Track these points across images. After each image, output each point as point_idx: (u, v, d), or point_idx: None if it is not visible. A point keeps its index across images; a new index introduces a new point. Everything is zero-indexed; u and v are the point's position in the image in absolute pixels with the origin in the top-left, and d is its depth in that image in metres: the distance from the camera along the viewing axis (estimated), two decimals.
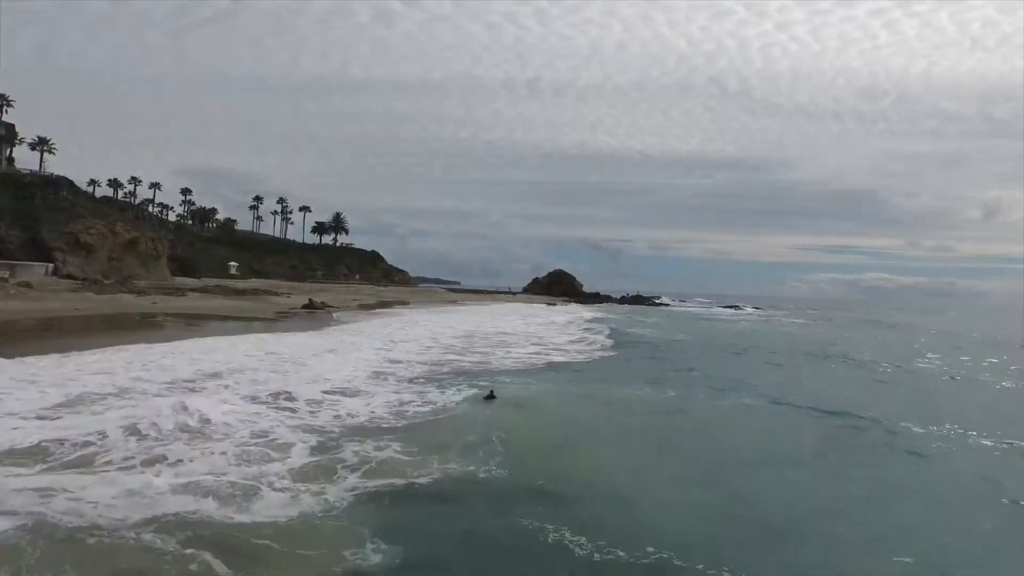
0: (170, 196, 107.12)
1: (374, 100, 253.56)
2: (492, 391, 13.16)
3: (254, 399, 12.29)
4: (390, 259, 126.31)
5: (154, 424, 9.82)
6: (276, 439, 9.63)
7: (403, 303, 64.82)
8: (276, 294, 56.06)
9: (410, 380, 15.61)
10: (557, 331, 34.70)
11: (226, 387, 13.33)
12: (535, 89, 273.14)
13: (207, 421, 10.18)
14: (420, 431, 10.80)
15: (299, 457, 8.84)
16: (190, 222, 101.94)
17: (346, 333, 26.43)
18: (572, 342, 28.07)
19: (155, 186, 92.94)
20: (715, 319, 65.45)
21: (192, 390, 12.80)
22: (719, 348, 30.07)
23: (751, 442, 11.32)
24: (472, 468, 8.70)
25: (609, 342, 29.38)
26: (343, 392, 13.63)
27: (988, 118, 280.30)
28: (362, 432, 10.59)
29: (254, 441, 9.42)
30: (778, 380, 19.44)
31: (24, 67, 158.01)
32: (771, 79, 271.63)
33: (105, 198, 79.59)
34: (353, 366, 17.40)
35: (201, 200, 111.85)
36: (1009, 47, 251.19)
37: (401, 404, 12.77)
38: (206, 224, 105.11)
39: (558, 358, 22.09)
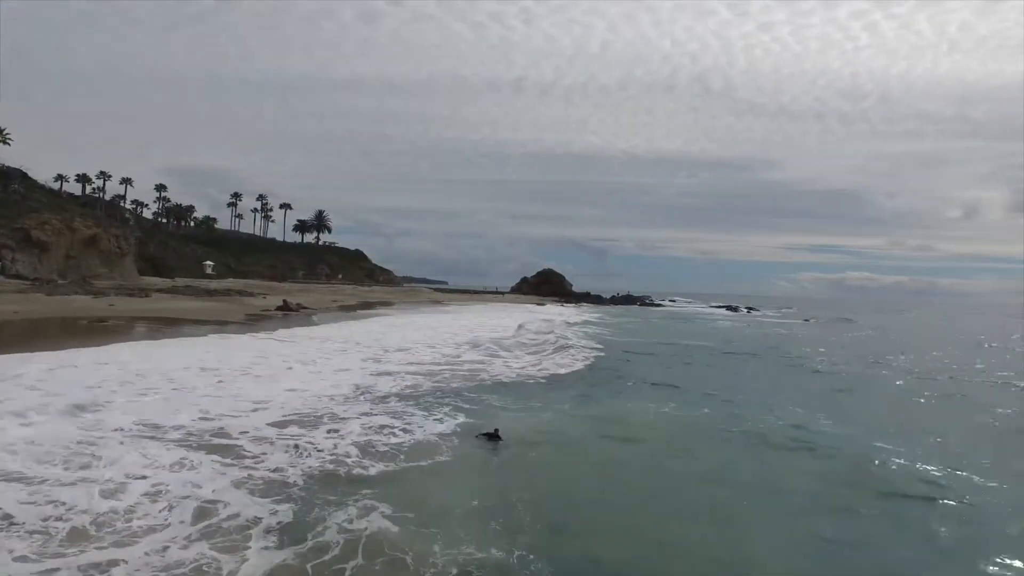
0: (148, 194, 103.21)
1: (360, 99, 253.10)
2: (497, 430, 10.35)
3: (182, 441, 9.39)
4: (376, 259, 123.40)
5: None
6: (204, 511, 6.75)
7: (386, 304, 61.80)
8: (251, 295, 52.85)
9: (389, 400, 12.80)
10: (556, 332, 32.06)
11: (132, 407, 10.43)
12: (520, 89, 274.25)
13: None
14: (410, 484, 8.04)
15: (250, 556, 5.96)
16: (165, 220, 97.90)
17: (318, 340, 23.49)
18: (573, 349, 25.46)
19: (126, 182, 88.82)
20: (710, 319, 63.19)
21: (81, 410, 9.81)
22: (741, 354, 27.52)
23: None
24: (497, 554, 6.01)
25: (614, 349, 26.81)
26: (301, 421, 10.79)
27: (966, 119, 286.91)
28: (330, 483, 7.85)
29: (172, 522, 6.52)
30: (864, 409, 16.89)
31: (5, 66, 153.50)
32: (754, 79, 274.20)
33: (68, 193, 75.60)
34: (320, 383, 14.56)
35: (187, 200, 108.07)
36: (985, 50, 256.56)
37: (379, 436, 9.98)
38: (183, 222, 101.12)
39: (560, 370, 19.36)
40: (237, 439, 9.54)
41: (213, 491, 7.32)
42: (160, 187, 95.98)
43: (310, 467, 8.45)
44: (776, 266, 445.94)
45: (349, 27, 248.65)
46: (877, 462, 10.03)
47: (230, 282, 72.01)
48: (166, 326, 27.25)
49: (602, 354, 23.74)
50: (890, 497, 8.48)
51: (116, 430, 9.49)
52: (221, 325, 28.38)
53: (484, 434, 10.39)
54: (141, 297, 39.38)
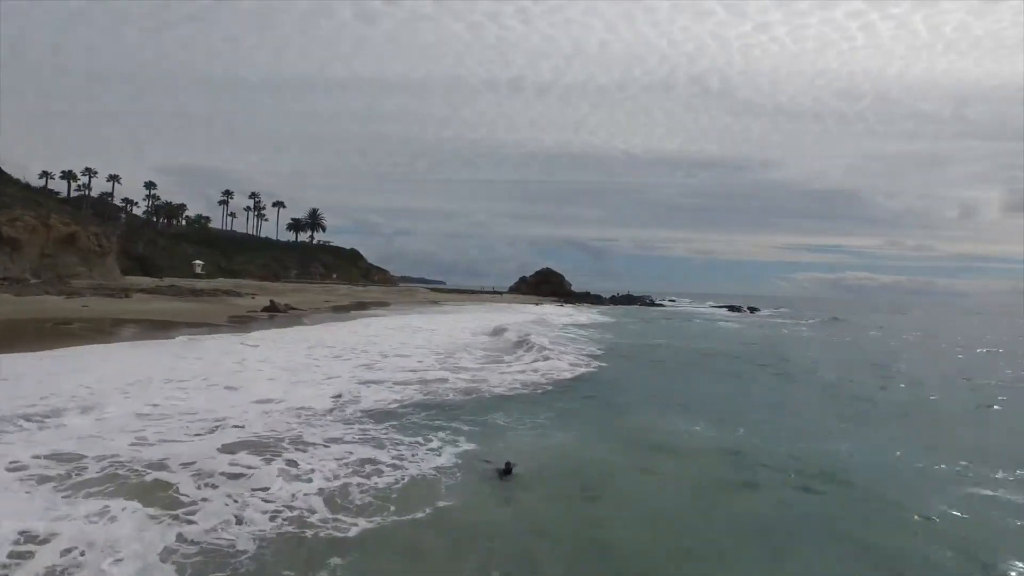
0: (141, 192, 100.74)
1: (357, 99, 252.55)
2: (509, 465, 8.26)
3: (103, 481, 7.27)
4: (375, 258, 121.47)
5: None
6: None
7: (383, 304, 59.67)
8: (239, 295, 50.69)
9: (371, 421, 10.70)
10: (556, 334, 30.01)
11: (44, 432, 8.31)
12: (518, 88, 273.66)
13: None
14: (401, 548, 5.99)
15: None
16: (156, 219, 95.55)
17: (301, 343, 21.38)
18: (579, 350, 23.40)
19: (113, 179, 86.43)
20: (713, 319, 61.18)
21: None
22: (769, 364, 25.50)
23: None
24: None
25: (620, 354, 24.76)
26: (263, 447, 8.69)
27: (963, 119, 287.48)
28: (293, 549, 5.77)
29: None
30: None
31: None
32: (752, 79, 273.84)
33: (48, 190, 73.21)
34: (298, 393, 12.47)
35: (183, 200, 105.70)
36: (981, 50, 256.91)
37: (359, 478, 7.88)
38: (173, 221, 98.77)
39: (564, 374, 17.28)
40: (176, 476, 7.43)
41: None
42: (150, 184, 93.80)
43: (267, 523, 6.35)
44: (775, 266, 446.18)
45: (346, 27, 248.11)
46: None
47: (220, 282, 69.82)
48: (139, 329, 25.09)
49: (608, 360, 21.60)
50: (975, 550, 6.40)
51: (12, 465, 7.37)
52: (198, 328, 26.23)
53: (493, 467, 8.31)
54: (120, 298, 37.18)
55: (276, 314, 36.84)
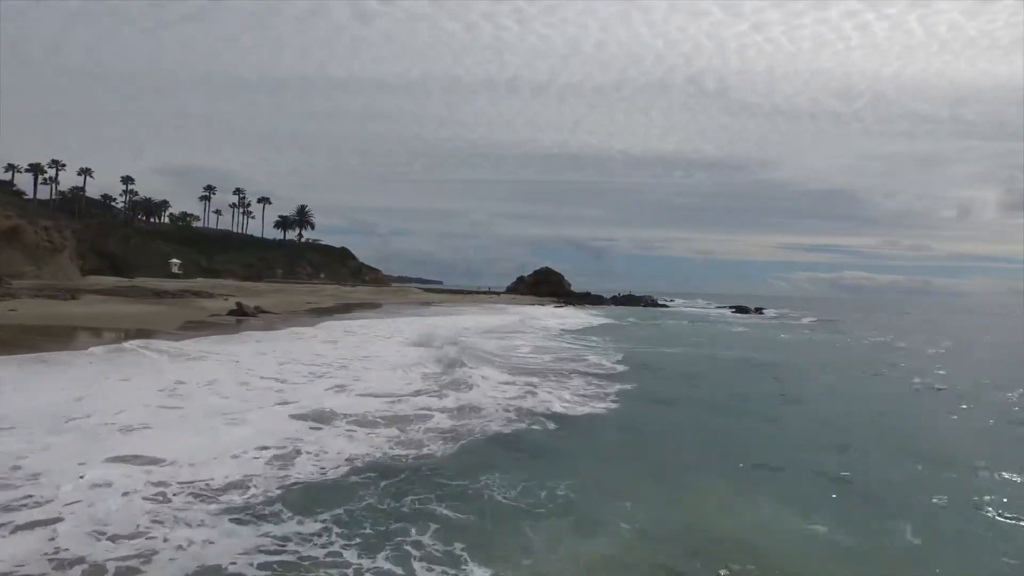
0: (117, 187, 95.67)
1: (354, 99, 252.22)
2: None
3: None
4: (374, 259, 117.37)
5: None
6: None
7: (372, 305, 55.32)
8: (211, 296, 46.25)
9: (303, 512, 6.39)
10: (558, 346, 25.70)
11: None
12: (515, 88, 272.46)
13: None
14: None
15: None
16: (134, 215, 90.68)
17: (252, 357, 17.02)
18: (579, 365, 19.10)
19: (85, 172, 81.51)
20: (723, 321, 57.01)
21: None
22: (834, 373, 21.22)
23: None
24: None
25: (648, 370, 20.51)
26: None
27: (959, 120, 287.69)
28: None
29: None
30: None
31: None
32: (748, 80, 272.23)
33: (10, 183, 68.50)
34: (205, 446, 8.13)
35: (179, 199, 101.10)
36: (975, 50, 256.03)
37: None
38: (152, 218, 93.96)
39: (579, 409, 12.98)
40: None
41: None
42: (127, 179, 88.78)
43: None
44: (773, 265, 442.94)
45: (343, 26, 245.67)
46: None
47: (197, 282, 65.37)
48: (65, 338, 20.63)
49: (636, 382, 17.24)
50: None
51: None
52: (140, 335, 21.76)
53: None
54: (65, 299, 32.67)
55: (244, 318, 32.41)
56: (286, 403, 11.53)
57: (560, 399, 13.34)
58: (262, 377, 14.16)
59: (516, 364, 19.20)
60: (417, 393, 13.14)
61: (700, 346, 30.33)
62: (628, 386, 15.71)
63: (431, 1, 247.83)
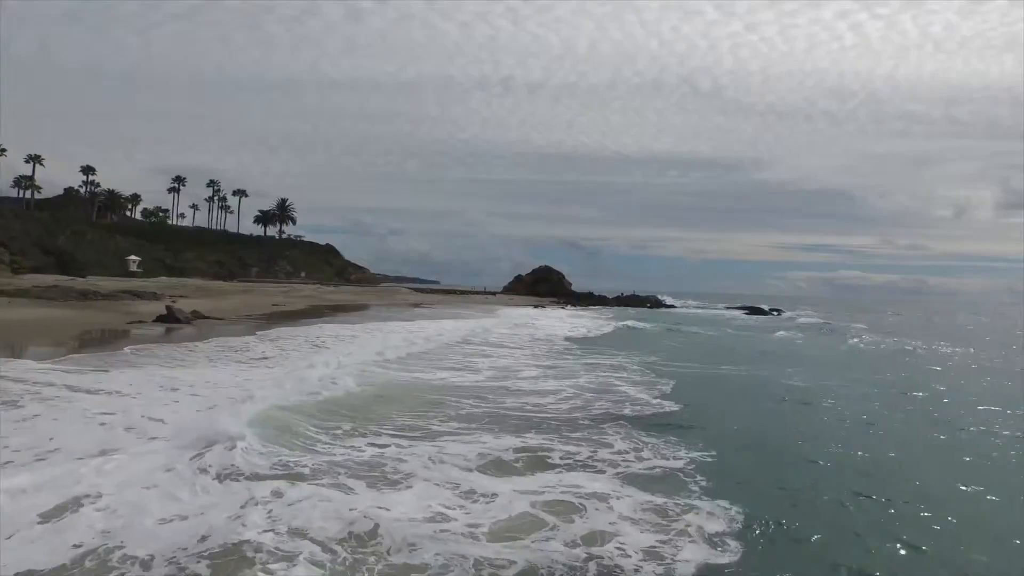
0: (76, 178, 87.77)
1: (347, 98, 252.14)
2: None
3: None
4: (371, 259, 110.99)
5: None
6: None
7: (358, 308, 48.46)
8: (157, 298, 39.15)
9: None
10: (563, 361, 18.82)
11: None
12: (509, 88, 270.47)
13: None
14: None
15: None
16: (94, 208, 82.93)
17: (139, 390, 10.04)
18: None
19: (33, 160, 73.76)
20: (748, 326, 50.36)
21: None
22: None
23: None
24: None
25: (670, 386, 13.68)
26: None
27: (953, 119, 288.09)
28: None
29: None
30: None
31: None
32: (742, 79, 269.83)
33: None
34: None
35: (166, 199, 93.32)
36: (968, 50, 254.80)
37: None
38: (112, 214, 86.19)
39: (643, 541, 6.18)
40: None
41: None
42: (87, 169, 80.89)
43: None
44: (769, 265, 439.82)
45: (335, 26, 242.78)
46: None
47: (160, 281, 58.20)
48: None
49: (710, 443, 10.47)
50: None
51: None
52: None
53: None
54: None
55: (176, 325, 25.38)
56: None
57: (601, 500, 6.54)
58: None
59: (511, 412, 12.35)
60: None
61: (757, 364, 23.54)
62: (701, 454, 8.97)
63: (424, 1, 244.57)
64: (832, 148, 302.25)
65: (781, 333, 41.86)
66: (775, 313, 78.34)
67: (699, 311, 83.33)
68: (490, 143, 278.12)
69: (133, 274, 61.89)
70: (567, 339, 29.28)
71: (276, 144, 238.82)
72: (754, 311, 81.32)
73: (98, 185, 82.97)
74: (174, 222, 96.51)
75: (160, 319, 25.84)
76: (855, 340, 36.01)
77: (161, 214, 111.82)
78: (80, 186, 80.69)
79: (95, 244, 66.33)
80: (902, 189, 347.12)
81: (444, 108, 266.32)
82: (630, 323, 45.53)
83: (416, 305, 58.35)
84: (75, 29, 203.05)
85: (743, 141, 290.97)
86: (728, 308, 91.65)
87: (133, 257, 65.21)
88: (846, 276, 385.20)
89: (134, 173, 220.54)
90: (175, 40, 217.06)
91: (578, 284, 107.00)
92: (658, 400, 13.64)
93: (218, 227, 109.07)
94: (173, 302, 38.91)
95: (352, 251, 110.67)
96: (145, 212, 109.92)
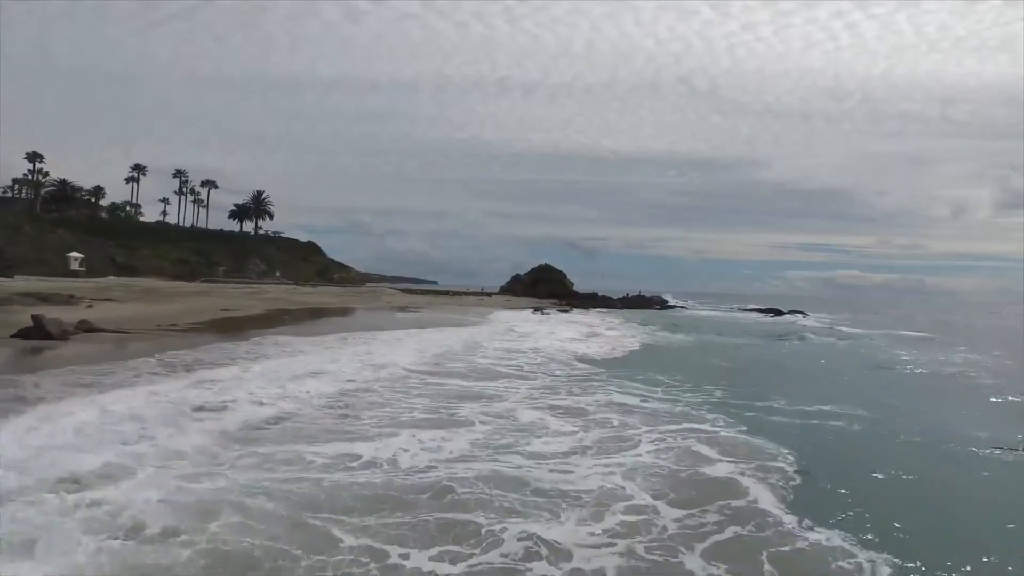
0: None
1: (345, 99, 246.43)
2: None
3: None
4: (370, 260, 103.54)
5: None
6: None
7: (341, 311, 40.73)
8: (75, 302, 31.49)
9: None
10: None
11: None
12: (505, 88, 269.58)
13: None
14: None
15: None
16: (41, 200, 74.22)
17: None
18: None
19: None
20: (788, 334, 43.11)
21: None
22: None
23: None
24: None
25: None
26: None
27: (949, 119, 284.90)
28: None
29: None
30: None
31: None
32: (739, 79, 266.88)
33: None
34: None
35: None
36: (962, 50, 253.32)
37: None
38: (61, 206, 77.38)
39: None
40: None
41: None
42: (33, 155, 72.10)
43: None
44: (767, 264, 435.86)
45: (332, 26, 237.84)
46: None
47: (107, 280, 50.15)
48: None
49: None
50: None
51: None
52: None
53: None
54: None
55: (47, 342, 17.56)
56: None
57: None
58: None
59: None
60: None
61: (862, 397, 16.14)
62: None
63: (421, 0, 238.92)
64: (829, 148, 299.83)
65: (833, 341, 34.55)
66: (802, 315, 71.24)
67: (713, 313, 76.26)
68: (488, 143, 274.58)
69: (75, 273, 53.81)
70: (582, 359, 21.67)
71: (273, 144, 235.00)
72: (776, 313, 74.29)
73: (47, 174, 74.30)
74: (134, 215, 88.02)
75: (21, 334, 17.96)
76: (902, 350, 28.68)
77: (131, 208, 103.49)
78: (26, 175, 71.95)
79: (34, 240, 58.07)
80: (900, 189, 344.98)
81: (441, 108, 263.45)
82: (651, 332, 37.92)
83: (401, 309, 50.63)
84: (70, 28, 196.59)
85: (740, 141, 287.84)
86: (741, 310, 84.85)
87: (74, 254, 56.94)
88: (844, 276, 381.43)
89: (126, 173, 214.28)
90: (171, 40, 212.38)
91: (578, 284, 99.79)
92: (807, 520, 6.19)
93: (193, 224, 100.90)
94: (89, 306, 30.98)
95: (350, 251, 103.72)
96: (112, 207, 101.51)
